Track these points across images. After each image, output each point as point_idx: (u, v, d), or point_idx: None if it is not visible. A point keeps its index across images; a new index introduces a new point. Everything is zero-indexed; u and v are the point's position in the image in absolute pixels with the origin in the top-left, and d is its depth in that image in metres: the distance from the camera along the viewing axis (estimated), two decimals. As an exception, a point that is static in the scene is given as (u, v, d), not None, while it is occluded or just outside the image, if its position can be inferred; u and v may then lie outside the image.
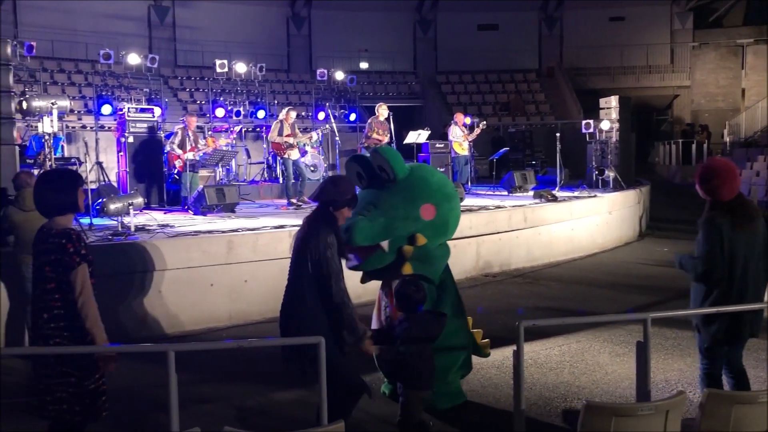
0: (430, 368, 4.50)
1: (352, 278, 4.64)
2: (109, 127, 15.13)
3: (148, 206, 11.34)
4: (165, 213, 11.23)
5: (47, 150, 9.25)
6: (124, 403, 4.34)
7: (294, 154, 12.18)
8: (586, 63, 29.00)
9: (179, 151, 11.84)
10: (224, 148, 12.91)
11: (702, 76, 29.36)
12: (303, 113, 19.81)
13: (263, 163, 15.85)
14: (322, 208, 4.27)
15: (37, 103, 9.10)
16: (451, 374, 5.19)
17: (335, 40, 26.94)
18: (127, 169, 12.23)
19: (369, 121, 13.07)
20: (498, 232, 10.55)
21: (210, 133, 14.71)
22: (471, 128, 15.19)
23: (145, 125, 12.54)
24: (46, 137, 9.22)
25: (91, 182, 12.45)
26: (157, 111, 13.10)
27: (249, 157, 16.26)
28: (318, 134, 15.16)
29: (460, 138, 14.29)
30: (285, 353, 4.23)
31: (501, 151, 16.94)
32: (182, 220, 10.04)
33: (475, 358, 5.53)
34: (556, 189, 13.62)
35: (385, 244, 4.83)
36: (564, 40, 29.69)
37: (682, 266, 4.48)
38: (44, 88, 17.10)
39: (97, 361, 3.71)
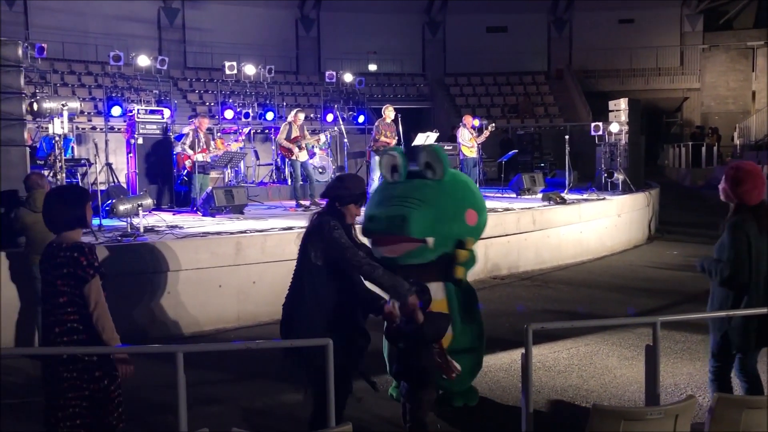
0: (435, 370, 4.49)
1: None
2: (119, 129, 15.21)
3: (157, 207, 11.38)
4: (174, 214, 11.27)
5: (57, 151, 9.29)
6: (132, 404, 4.35)
7: (302, 156, 12.20)
8: (596, 65, 28.93)
9: (190, 152, 11.88)
10: (237, 152, 12.94)
11: (712, 79, 29.23)
12: (311, 115, 19.85)
13: (272, 164, 15.88)
14: (330, 204, 4.28)
15: (47, 105, 9.16)
16: (464, 374, 5.21)
17: (344, 42, 26.99)
18: (137, 171, 12.28)
19: (376, 124, 13.07)
20: (506, 235, 10.53)
21: (219, 134, 14.75)
22: (480, 130, 15.17)
23: (155, 127, 12.59)
24: (57, 138, 9.27)
25: (100, 183, 12.52)
26: (167, 113, 13.15)
27: (258, 158, 16.30)
28: (326, 136, 15.18)
29: (468, 140, 14.28)
30: (286, 351, 4.25)
31: (510, 153, 16.92)
32: (191, 222, 10.08)
33: (484, 361, 5.53)
34: (565, 191, 13.58)
35: (430, 240, 4.88)
36: (573, 42, 29.64)
37: (704, 269, 4.43)
38: (54, 90, 17.19)
39: (115, 368, 3.71)
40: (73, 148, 12.79)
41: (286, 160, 13.18)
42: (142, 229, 8.54)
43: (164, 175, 12.50)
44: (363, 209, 4.55)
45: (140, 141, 12.34)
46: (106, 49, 19.02)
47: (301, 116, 12.44)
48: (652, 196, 14.85)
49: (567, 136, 14.61)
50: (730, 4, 29.59)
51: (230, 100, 17.92)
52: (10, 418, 5.11)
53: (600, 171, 14.97)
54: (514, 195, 14.11)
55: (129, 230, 8.51)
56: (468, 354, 5.15)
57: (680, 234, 14.53)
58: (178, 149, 12.63)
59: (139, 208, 8.96)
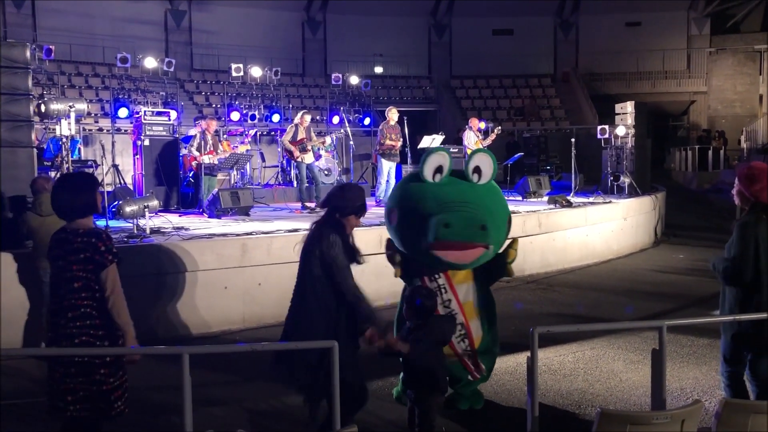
0: (442, 374, 4.49)
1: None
2: (126, 130, 15.27)
3: (163, 209, 11.41)
4: (180, 216, 11.29)
5: (64, 152, 9.34)
6: (137, 405, 4.36)
7: (308, 158, 12.21)
8: (602, 68, 28.89)
9: (196, 153, 11.91)
10: (243, 154, 12.96)
11: (719, 82, 29.15)
12: (318, 117, 19.87)
13: (278, 166, 15.91)
14: (330, 215, 4.29)
15: (55, 106, 9.19)
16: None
17: (350, 44, 27.02)
18: (143, 172, 12.31)
19: (380, 127, 13.06)
20: (512, 238, 10.50)
21: (225, 136, 14.79)
22: (486, 133, 15.15)
23: (161, 128, 12.61)
24: (64, 140, 9.31)
25: (107, 185, 12.54)
26: (173, 114, 13.20)
27: (263, 160, 16.32)
28: (332, 138, 15.19)
29: (474, 143, 14.26)
30: (276, 357, 4.26)
31: (515, 156, 16.90)
32: (197, 223, 10.10)
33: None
34: (571, 195, 13.56)
35: (492, 247, 4.89)
36: (580, 45, 29.60)
37: (714, 269, 4.44)
38: (62, 91, 17.26)
39: (122, 358, 3.75)
40: (79, 149, 12.83)
41: (292, 162, 13.20)
42: (148, 231, 8.56)
43: (170, 176, 12.53)
44: (362, 219, 4.48)
45: (147, 143, 12.37)
46: (113, 50, 19.11)
47: (308, 118, 12.45)
48: (659, 199, 14.81)
49: (573, 139, 14.59)
50: (737, 8, 29.52)
51: (236, 102, 17.95)
52: (14, 419, 5.12)
53: (606, 174, 14.94)
54: (520, 198, 14.09)
55: (135, 231, 8.52)
56: (489, 355, 5.22)
57: (686, 237, 14.49)
58: (184, 151, 12.66)
59: (146, 210, 8.97)
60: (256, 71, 17.80)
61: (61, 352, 3.74)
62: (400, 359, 5.04)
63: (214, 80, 23.73)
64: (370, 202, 12.80)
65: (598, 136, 15.09)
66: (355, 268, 4.43)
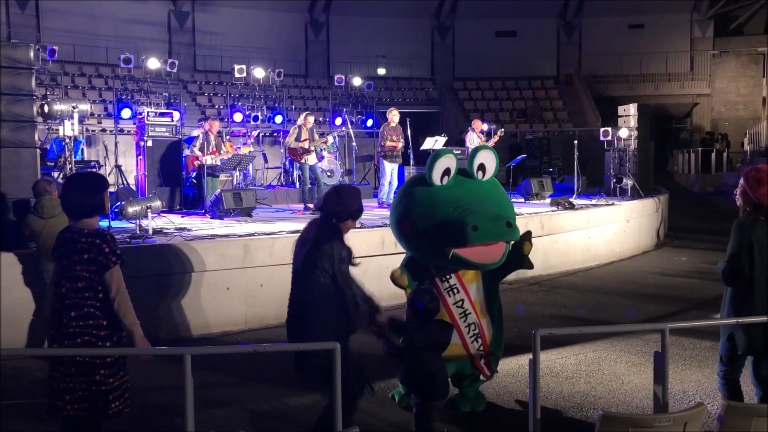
0: (442, 378, 4.48)
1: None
2: (129, 131, 15.29)
3: (166, 210, 11.42)
4: (183, 216, 11.30)
5: (67, 153, 9.36)
6: (139, 406, 4.37)
7: (311, 159, 12.22)
8: (605, 70, 28.89)
9: (198, 154, 11.93)
10: (246, 155, 12.97)
11: (722, 84, 29.13)
12: (320, 118, 19.91)
13: (280, 167, 15.92)
14: (326, 219, 4.29)
15: (58, 107, 9.22)
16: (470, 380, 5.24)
17: (353, 45, 27.04)
18: (146, 173, 12.33)
19: (381, 129, 13.06)
20: (514, 240, 10.48)
21: (228, 137, 14.80)
22: (488, 135, 15.14)
23: (164, 129, 12.63)
24: (67, 140, 9.34)
25: (109, 185, 12.56)
26: (176, 115, 13.20)
27: (266, 161, 16.34)
28: (334, 138, 15.19)
29: (477, 145, 14.24)
30: (300, 361, 4.27)
31: (518, 158, 16.88)
32: (199, 224, 10.10)
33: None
34: (574, 197, 13.55)
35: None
36: (583, 47, 29.60)
37: (717, 271, 4.46)
38: (65, 92, 17.30)
39: (123, 358, 3.75)
40: (82, 150, 12.86)
41: (295, 163, 13.20)
42: (150, 231, 8.57)
43: (173, 177, 12.54)
44: (358, 221, 4.54)
45: (149, 143, 12.39)
46: (116, 51, 19.15)
47: (311, 119, 12.46)
48: (661, 201, 14.79)
49: (576, 141, 14.58)
50: (741, 10, 29.50)
51: (239, 103, 17.98)
52: (16, 418, 5.13)
53: (609, 176, 14.93)
54: (523, 200, 14.07)
55: (138, 232, 8.54)
56: (497, 354, 5.23)
57: (689, 240, 14.47)
58: (187, 152, 12.68)
59: (148, 210, 8.99)
60: (259, 72, 17.83)
61: (63, 353, 3.75)
62: (398, 361, 5.05)
63: (217, 81, 23.77)
64: (372, 203, 12.87)
65: (601, 138, 15.07)
66: (356, 270, 4.45)
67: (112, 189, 11.82)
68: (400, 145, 12.80)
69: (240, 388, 5.92)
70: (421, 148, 14.58)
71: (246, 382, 6.03)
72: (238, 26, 25.60)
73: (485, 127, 15.38)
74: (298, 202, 13.47)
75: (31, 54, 7.47)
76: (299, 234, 4.53)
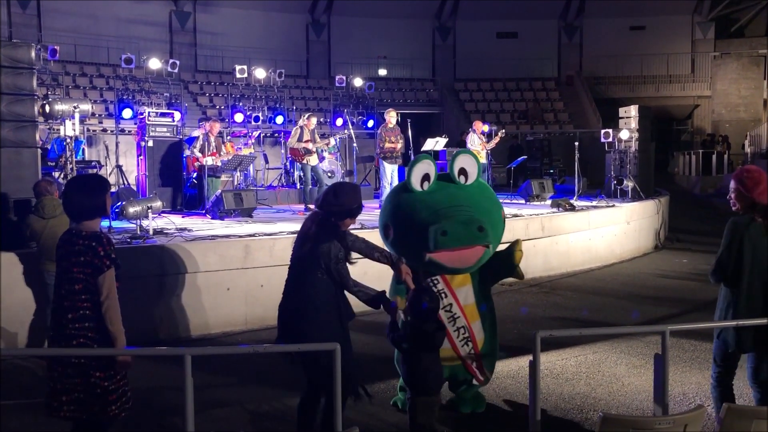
0: (435, 373, 4.48)
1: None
2: (130, 131, 15.30)
3: (167, 210, 11.42)
4: (183, 217, 11.31)
5: (68, 153, 9.36)
6: (139, 406, 4.37)
7: (313, 160, 12.23)
8: (606, 72, 28.89)
9: (199, 155, 11.93)
10: (247, 156, 12.98)
11: (723, 86, 29.13)
12: (321, 119, 19.90)
13: (281, 168, 15.92)
14: (325, 217, 4.30)
15: (59, 107, 9.22)
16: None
17: (354, 46, 27.05)
18: (147, 173, 12.34)
19: (378, 131, 13.04)
20: (515, 239, 10.48)
21: (229, 138, 14.81)
22: (489, 136, 15.15)
23: (165, 129, 12.64)
24: (68, 140, 9.33)
25: (111, 185, 12.56)
26: (177, 115, 13.21)
27: (267, 162, 16.35)
28: (335, 140, 15.20)
29: (478, 146, 14.25)
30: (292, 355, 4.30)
31: (519, 159, 16.90)
32: (200, 224, 10.10)
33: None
34: (574, 198, 13.55)
35: (491, 245, 4.91)
36: (584, 48, 29.61)
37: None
38: (66, 92, 17.31)
39: (116, 365, 3.74)
40: (83, 150, 12.86)
41: (296, 163, 13.20)
42: (151, 232, 8.57)
43: (174, 177, 12.55)
44: (358, 218, 4.51)
45: (150, 143, 12.40)
46: (117, 51, 19.19)
47: (313, 120, 12.46)
48: (662, 203, 14.79)
49: (576, 143, 14.58)
50: (742, 12, 29.51)
51: (240, 104, 17.99)
52: (16, 418, 5.13)
53: (609, 178, 14.93)
54: (523, 201, 14.08)
55: (138, 232, 8.54)
56: (490, 358, 5.22)
57: (690, 242, 14.46)
58: (187, 152, 12.68)
59: (149, 211, 8.99)
60: (260, 73, 17.83)
61: (58, 353, 3.76)
62: (396, 363, 5.06)
63: (218, 82, 23.78)
64: (373, 204, 12.86)
65: (602, 140, 15.07)
66: (357, 271, 4.45)
67: (113, 189, 11.83)
68: (399, 145, 12.78)
69: (240, 389, 5.92)
70: (422, 149, 14.58)
71: (246, 382, 6.04)
72: (240, 27, 25.61)
73: (486, 128, 15.39)
74: (298, 202, 13.47)
75: (33, 54, 7.48)
76: (300, 228, 4.53)
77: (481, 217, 4.82)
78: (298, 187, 14.31)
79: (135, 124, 13.92)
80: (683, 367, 6.32)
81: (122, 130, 15.20)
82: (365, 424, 4.90)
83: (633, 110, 15.00)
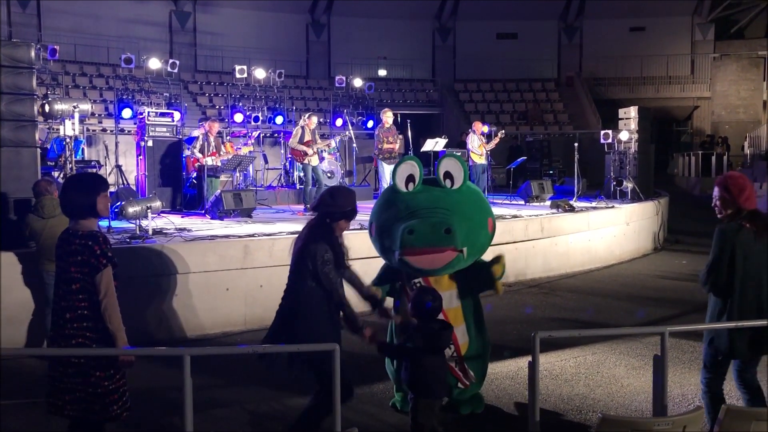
0: (439, 377, 4.48)
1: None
2: (129, 131, 15.29)
3: (166, 210, 11.42)
4: (183, 217, 11.30)
5: (68, 153, 9.36)
6: (139, 406, 4.37)
7: (314, 160, 12.24)
8: (606, 73, 28.91)
9: (199, 155, 11.93)
10: (246, 156, 12.97)
11: (723, 88, 29.14)
12: (321, 120, 19.89)
13: (280, 168, 15.92)
14: (320, 219, 4.31)
15: (59, 106, 9.22)
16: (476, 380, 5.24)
17: (354, 47, 27.06)
18: (146, 173, 12.33)
19: (376, 132, 13.03)
20: (514, 242, 10.50)
21: (228, 138, 14.80)
22: (489, 137, 15.15)
23: (165, 129, 12.64)
24: (67, 140, 9.33)
25: (110, 185, 12.55)
26: (177, 115, 13.21)
27: (266, 162, 16.34)
28: (336, 141, 15.21)
29: (477, 147, 14.26)
30: (292, 359, 4.29)
31: (518, 160, 16.89)
32: (199, 224, 10.10)
33: (490, 369, 5.52)
34: (574, 199, 13.54)
35: (465, 250, 4.85)
36: (584, 49, 29.62)
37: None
38: (66, 92, 17.29)
39: (116, 361, 3.74)
40: (83, 149, 12.85)
41: (297, 163, 13.20)
42: (150, 232, 8.57)
43: (173, 177, 12.55)
44: (352, 222, 4.50)
45: (150, 143, 12.39)
46: (117, 51, 19.19)
47: (314, 120, 12.47)
48: (661, 204, 14.79)
49: (576, 144, 14.58)
50: (742, 14, 29.53)
51: (240, 104, 17.98)
52: (14, 418, 5.13)
53: (609, 179, 14.93)
54: (523, 202, 14.08)
55: (138, 232, 8.54)
56: (478, 361, 5.19)
57: (689, 243, 14.46)
58: (187, 152, 12.68)
59: (148, 211, 8.99)
60: (259, 73, 17.83)
61: (58, 353, 3.75)
62: (393, 362, 5.06)
63: (218, 82, 23.79)
64: (373, 205, 12.80)
65: (602, 141, 15.07)
66: (357, 270, 4.46)
67: (112, 189, 11.82)
68: (398, 145, 12.78)
69: (239, 389, 5.92)
70: (422, 150, 14.58)
71: (245, 382, 6.03)
72: (239, 27, 25.61)
73: (486, 129, 15.39)
74: (298, 202, 13.47)
75: (32, 53, 7.47)
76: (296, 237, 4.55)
77: (456, 221, 4.79)
78: (298, 188, 14.31)
79: (135, 123, 13.92)
80: (682, 368, 6.32)
81: (122, 130, 15.19)
82: (364, 424, 4.90)
83: (633, 111, 15.00)
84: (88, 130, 15.33)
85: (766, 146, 25.05)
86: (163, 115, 12.92)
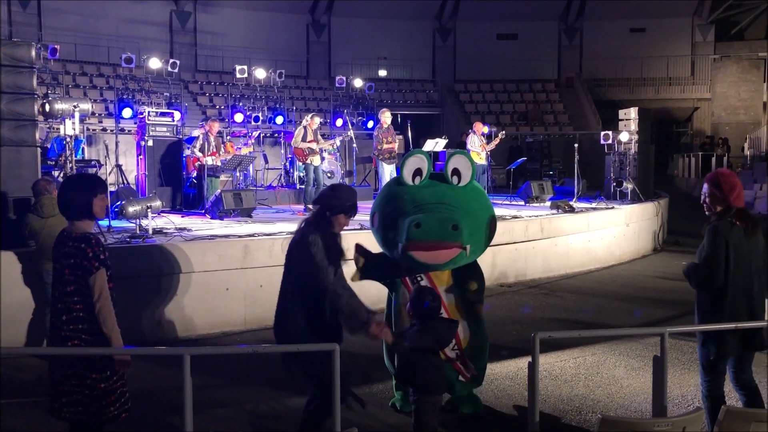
0: (440, 374, 4.49)
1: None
2: (129, 131, 15.29)
3: (166, 209, 11.42)
4: (183, 216, 11.30)
5: (68, 152, 9.35)
6: (138, 406, 4.37)
7: (316, 160, 12.25)
8: (606, 74, 28.90)
9: (199, 155, 11.94)
10: (247, 156, 12.97)
11: (723, 89, 29.13)
12: (321, 120, 19.89)
13: (281, 168, 15.92)
14: (320, 212, 4.31)
15: (59, 106, 9.21)
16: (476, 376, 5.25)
17: (354, 47, 27.06)
18: (146, 172, 12.33)
19: (375, 133, 13.02)
20: (514, 243, 10.51)
21: (229, 138, 14.80)
22: (489, 138, 15.16)
23: (165, 129, 12.64)
24: (68, 139, 9.33)
25: (110, 185, 12.57)
26: (177, 115, 13.20)
27: (266, 162, 16.34)
28: (338, 141, 15.22)
29: (478, 147, 14.26)
30: (285, 358, 4.28)
31: (518, 160, 16.89)
32: (199, 224, 10.10)
33: (490, 369, 5.52)
34: (574, 200, 13.55)
35: (468, 247, 4.86)
36: (584, 50, 29.62)
37: (685, 274, 4.46)
38: (66, 91, 17.29)
39: (114, 364, 3.74)
40: (83, 149, 12.86)
41: (298, 163, 13.20)
42: (150, 231, 8.57)
43: (174, 177, 12.55)
44: (351, 219, 4.43)
45: (150, 143, 12.39)
46: (118, 51, 19.19)
47: (317, 120, 12.49)
48: (661, 205, 14.80)
49: (576, 145, 14.58)
50: (742, 15, 29.53)
51: (240, 104, 17.98)
52: (17, 417, 5.13)
53: (609, 180, 14.93)
54: (523, 203, 14.09)
55: (138, 232, 8.53)
56: (478, 355, 5.20)
57: (689, 245, 14.45)
58: (187, 152, 12.68)
59: (148, 210, 8.99)
60: (260, 73, 17.83)
61: (58, 352, 3.75)
62: (394, 361, 5.06)
63: (218, 82, 23.79)
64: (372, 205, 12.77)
65: (602, 142, 15.08)
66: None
67: (112, 188, 11.83)
68: (396, 145, 12.79)
69: (239, 389, 5.92)
70: (406, 154, 14.52)
71: (245, 382, 6.03)
72: (240, 27, 25.62)
73: (486, 129, 15.40)
74: (298, 202, 13.47)
75: (33, 53, 7.47)
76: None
77: (459, 217, 4.81)
78: (298, 188, 14.31)
79: (135, 123, 13.91)
80: (682, 369, 6.32)
81: (122, 130, 15.18)
82: (364, 424, 4.89)
83: (633, 112, 15.01)
84: (88, 129, 15.34)
85: (766, 148, 25.05)
86: (163, 114, 12.92)
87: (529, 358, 3.81)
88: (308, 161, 12.14)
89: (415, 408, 4.41)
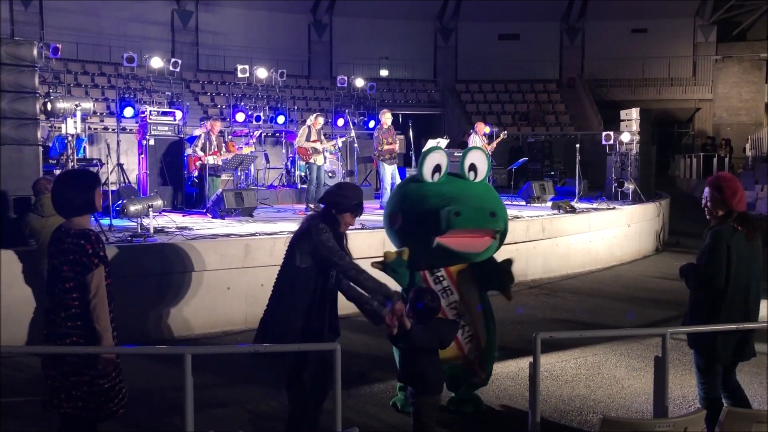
0: (440, 375, 4.49)
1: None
2: (131, 130, 15.30)
3: (168, 209, 11.42)
4: (184, 215, 11.31)
5: (70, 151, 9.36)
6: (139, 405, 4.37)
7: (319, 160, 12.27)
8: (608, 74, 28.89)
9: (201, 154, 11.94)
10: (248, 155, 12.97)
11: (724, 90, 29.12)
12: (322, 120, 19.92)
13: (282, 168, 15.93)
14: (326, 210, 4.31)
15: (61, 105, 9.21)
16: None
17: (356, 47, 27.06)
18: (148, 172, 12.34)
19: (375, 134, 13.00)
20: (515, 243, 10.49)
21: (230, 137, 14.81)
22: (491, 138, 15.16)
23: (166, 128, 12.64)
24: (69, 138, 9.33)
25: (111, 184, 12.57)
26: (179, 114, 13.21)
27: (268, 161, 16.34)
28: (341, 141, 15.22)
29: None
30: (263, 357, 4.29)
31: (520, 161, 16.90)
32: (201, 223, 10.11)
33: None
34: (575, 200, 13.55)
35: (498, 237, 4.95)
36: (585, 51, 29.61)
37: (683, 274, 4.45)
38: (68, 90, 17.31)
39: (97, 362, 3.70)
40: (85, 148, 12.87)
41: (299, 163, 13.20)
42: (152, 230, 8.57)
43: (175, 176, 12.55)
44: (357, 218, 4.44)
45: (152, 142, 12.39)
46: (119, 50, 19.20)
47: (321, 120, 12.51)
48: (663, 206, 14.79)
49: (578, 145, 14.58)
50: (744, 15, 29.51)
51: (242, 103, 17.99)
52: (13, 416, 5.13)
53: (610, 180, 14.93)
54: (524, 203, 14.09)
55: (139, 231, 8.54)
56: (489, 357, 5.22)
57: (690, 245, 14.44)
58: (189, 151, 12.69)
59: (150, 209, 8.99)
60: (261, 73, 17.84)
61: (58, 351, 3.74)
62: (396, 361, 5.05)
63: (220, 81, 23.79)
64: (374, 205, 12.85)
65: (603, 142, 15.08)
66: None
67: (113, 187, 11.83)
68: (396, 146, 12.78)
69: (240, 388, 5.92)
70: (423, 150, 14.54)
71: (245, 382, 6.03)
72: (242, 26, 25.63)
73: (488, 129, 15.39)
74: (299, 202, 13.47)
75: (35, 52, 7.48)
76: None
77: (495, 206, 4.95)
78: (299, 187, 14.30)
79: (136, 122, 13.92)
80: (683, 369, 6.32)
81: (124, 129, 15.18)
82: (365, 424, 4.90)
83: (634, 113, 15.00)
84: (90, 128, 15.35)
85: (767, 148, 25.03)
86: (164, 114, 12.93)
87: (530, 359, 3.81)
88: (311, 161, 12.15)
89: (414, 408, 4.40)
